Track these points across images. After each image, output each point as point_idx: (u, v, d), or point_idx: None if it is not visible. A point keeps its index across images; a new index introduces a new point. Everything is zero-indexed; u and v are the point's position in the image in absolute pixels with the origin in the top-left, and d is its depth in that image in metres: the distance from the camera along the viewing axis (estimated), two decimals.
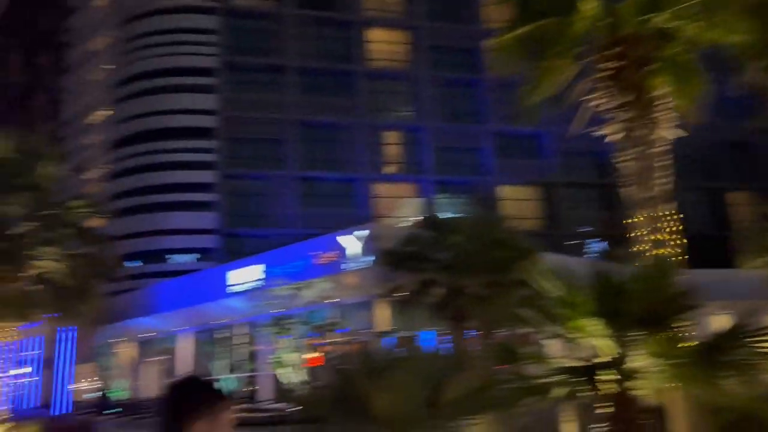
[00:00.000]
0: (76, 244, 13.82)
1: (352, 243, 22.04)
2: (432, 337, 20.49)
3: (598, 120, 7.70)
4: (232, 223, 37.38)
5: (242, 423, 12.88)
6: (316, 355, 22.32)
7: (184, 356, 29.75)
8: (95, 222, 14.91)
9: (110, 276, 14.67)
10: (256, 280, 24.46)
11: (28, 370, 38.52)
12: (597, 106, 7.51)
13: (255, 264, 25.32)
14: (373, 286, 20.82)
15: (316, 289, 21.15)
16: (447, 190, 39.35)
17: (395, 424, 5.35)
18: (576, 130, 8.00)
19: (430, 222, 17.87)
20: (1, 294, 12.25)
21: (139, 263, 35.57)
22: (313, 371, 22.21)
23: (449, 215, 22.59)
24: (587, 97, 7.62)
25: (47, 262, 13.22)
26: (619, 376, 5.90)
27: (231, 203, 37.80)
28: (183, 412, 1.77)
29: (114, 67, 40.83)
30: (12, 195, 12.64)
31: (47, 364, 36.35)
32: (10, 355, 13.75)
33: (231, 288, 25.35)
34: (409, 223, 21.36)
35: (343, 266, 22.08)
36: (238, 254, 30.62)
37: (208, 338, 27.27)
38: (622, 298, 6.23)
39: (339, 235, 22.52)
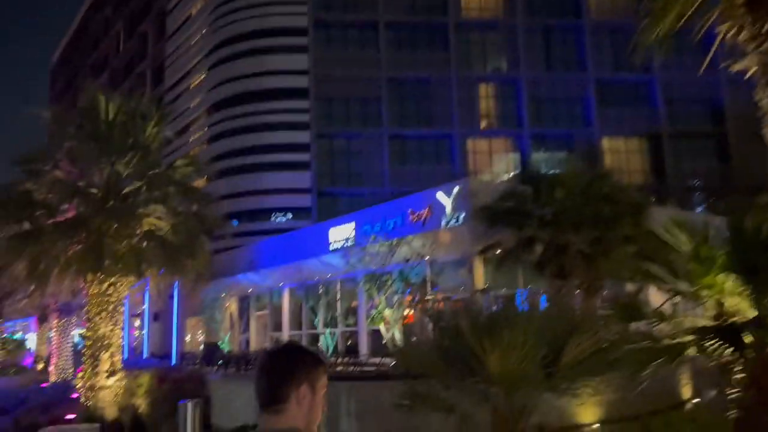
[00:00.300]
0: (182, 202, 14.34)
1: (447, 199, 21.63)
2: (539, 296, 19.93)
3: (719, 58, 6.81)
4: (326, 183, 37.94)
5: (342, 377, 13.14)
6: (412, 312, 22.38)
7: (285, 310, 30.80)
8: (199, 181, 15.37)
9: (214, 233, 15.12)
10: (352, 238, 24.67)
11: (141, 323, 41.53)
12: (726, 39, 6.61)
13: (350, 221, 25.50)
14: (469, 243, 20.41)
15: (411, 246, 20.98)
16: (545, 144, 37.84)
17: (508, 383, 5.06)
18: (690, 74, 7.12)
19: (530, 176, 17.12)
20: (115, 250, 12.89)
21: (238, 222, 36.99)
22: (411, 328, 22.37)
23: (549, 169, 21.67)
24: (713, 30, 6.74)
25: (156, 220, 13.80)
26: (759, 337, 5.29)
27: (324, 163, 38.30)
28: (286, 378, 1.79)
29: (210, 31, 41.87)
30: (122, 155, 13.19)
31: (157, 318, 38.91)
32: (123, 308, 14.53)
33: (329, 245, 25.73)
34: (506, 179, 20.61)
35: (438, 223, 21.75)
36: (332, 213, 31.08)
37: (308, 294, 27.94)
38: (761, 253, 5.54)
39: (434, 192, 22.16)
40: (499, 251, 17.53)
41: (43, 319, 31.92)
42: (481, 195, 18.68)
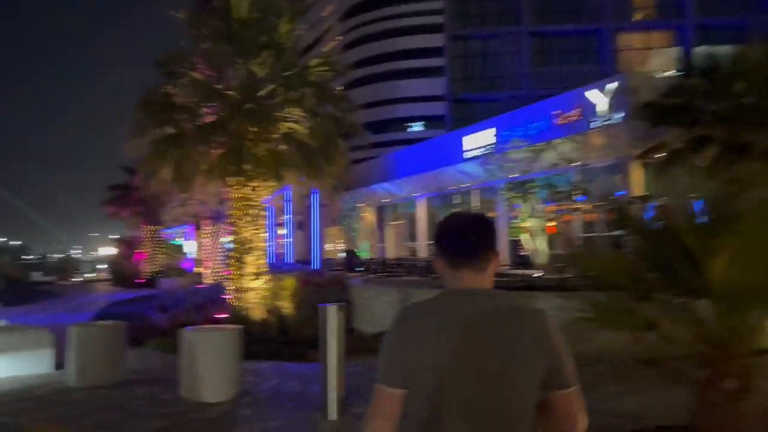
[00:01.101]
0: (319, 104, 13.77)
1: (600, 98, 19.41)
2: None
3: None
4: (461, 88, 36.14)
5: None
6: (556, 222, 20.89)
7: (421, 220, 30.46)
8: (334, 84, 14.67)
9: (352, 138, 14.49)
10: (491, 144, 23.25)
11: (284, 231, 43.48)
12: None
13: (489, 127, 24.00)
14: (625, 145, 18.33)
15: (557, 151, 19.25)
16: (712, 37, 33.07)
17: (734, 297, 3.89)
18: None
19: (702, 67, 14.60)
20: (254, 153, 12.67)
21: (372, 133, 36.62)
22: (557, 238, 21.01)
23: (724, 59, 18.57)
24: None
25: (293, 124, 13.38)
26: None
27: (459, 67, 36.34)
28: (491, 241, 1.78)
29: None
30: (256, 55, 12.71)
31: (299, 226, 40.43)
32: (266, 213, 14.52)
33: (466, 153, 24.55)
34: (669, 74, 17.93)
35: (589, 124, 19.70)
36: (466, 120, 29.62)
37: (444, 203, 27.23)
38: None
39: (586, 90, 19.98)
40: (662, 154, 15.46)
41: (197, 226, 34.20)
42: (642, 91, 16.44)
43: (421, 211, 30.49)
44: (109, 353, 7.43)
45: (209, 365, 6.48)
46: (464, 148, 24.68)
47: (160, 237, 37.29)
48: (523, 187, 18.87)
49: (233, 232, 13.71)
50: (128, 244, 38.22)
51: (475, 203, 25.57)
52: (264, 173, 12.98)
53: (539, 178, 19.09)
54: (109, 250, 45.38)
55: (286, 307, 13.88)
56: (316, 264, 23.44)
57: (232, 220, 13.64)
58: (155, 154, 12.68)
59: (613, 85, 19.07)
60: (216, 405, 6.29)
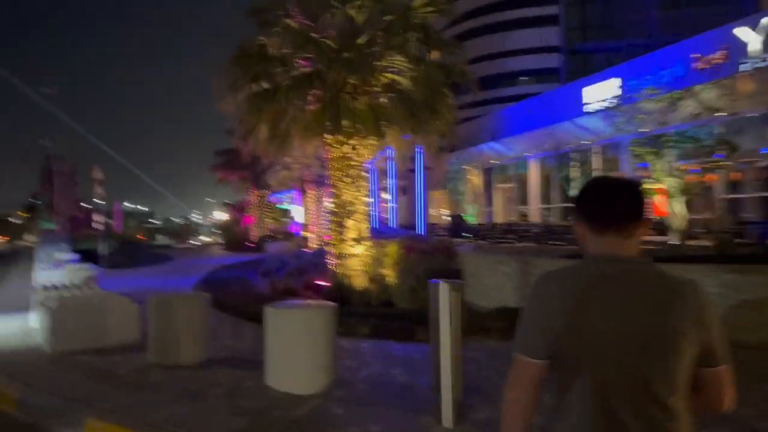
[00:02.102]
0: (423, 51, 12.35)
1: (753, 36, 16.51)
2: None
3: None
4: (577, 38, 33.10)
5: None
6: (698, 180, 18.32)
7: (533, 182, 28.40)
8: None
9: (461, 85, 12.93)
10: (616, 96, 20.77)
11: (388, 196, 42.66)
12: None
13: (613, 77, 21.46)
14: None
15: (698, 100, 16.66)
16: None
17: None
18: None
19: None
20: (352, 108, 11.54)
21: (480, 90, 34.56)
22: (696, 200, 18.45)
23: None
24: None
25: (394, 75, 12.07)
26: None
27: (576, 15, 33.25)
28: (642, 207, 1.68)
29: None
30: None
31: (403, 191, 39.45)
32: (367, 175, 13.44)
33: (586, 106, 22.20)
34: None
35: (738, 67, 16.88)
36: (584, 72, 26.90)
37: (559, 163, 25.01)
38: None
39: (734, 27, 17.10)
40: None
41: (303, 191, 34.12)
42: None
43: (534, 173, 28.40)
44: (191, 328, 6.61)
45: (297, 350, 5.43)
46: (584, 101, 22.31)
47: (268, 201, 37.66)
48: (657, 142, 16.55)
49: (333, 195, 12.75)
50: (238, 209, 38.97)
51: (595, 163, 23.21)
52: (363, 129, 11.83)
53: (676, 131, 16.65)
54: (223, 215, 46.82)
55: (389, 275, 12.81)
56: (420, 229, 22.22)
57: (332, 182, 12.66)
58: (250, 111, 11.86)
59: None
60: (304, 399, 5.25)
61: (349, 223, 12.46)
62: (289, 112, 11.86)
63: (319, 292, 12.17)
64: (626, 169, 20.88)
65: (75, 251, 24.57)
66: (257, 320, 9.29)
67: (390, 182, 30.83)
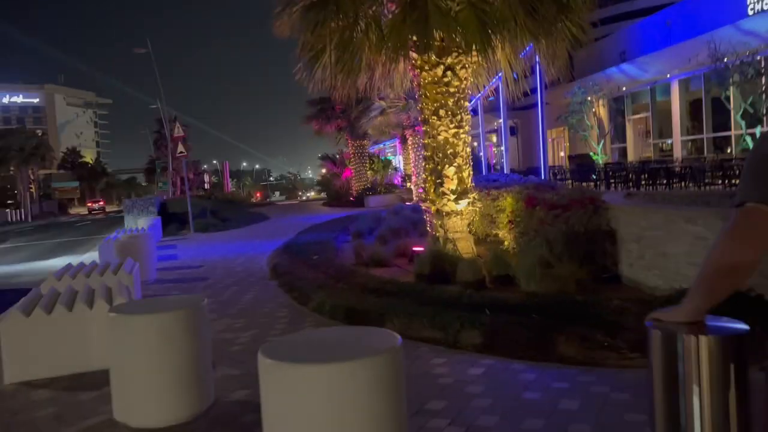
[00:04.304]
0: None
1: None
2: None
3: None
4: None
5: None
6: None
7: (675, 110, 23.58)
8: None
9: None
10: None
11: (495, 139, 38.69)
12: None
13: None
14: None
15: None
16: None
17: None
18: None
19: None
20: (445, 9, 8.30)
21: (600, 7, 29.48)
22: None
23: None
24: None
25: None
26: None
27: None
28: None
29: None
30: None
31: (514, 132, 35.33)
32: (467, 104, 10.21)
33: (752, 5, 17.27)
34: None
35: None
36: None
37: (711, 83, 20.14)
38: None
39: None
40: None
41: (403, 138, 31.20)
42: None
43: (675, 98, 23.53)
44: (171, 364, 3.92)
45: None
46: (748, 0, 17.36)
47: (368, 152, 35.09)
48: None
49: (426, 134, 9.68)
50: (336, 162, 36.80)
51: (758, 79, 18.21)
52: (463, 41, 8.59)
53: None
54: (322, 170, 45.15)
55: (506, 237, 9.65)
56: (543, 174, 18.58)
57: (425, 117, 9.58)
58: (309, 28, 8.95)
59: None
60: None
61: (449, 170, 9.39)
62: (359, 25, 8.84)
63: (412, 261, 9.30)
64: None
65: (166, 215, 23.50)
66: (348, 317, 6.61)
67: (499, 122, 27.01)
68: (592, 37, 20.95)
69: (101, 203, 75.48)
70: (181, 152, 20.27)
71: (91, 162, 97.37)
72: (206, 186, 62.78)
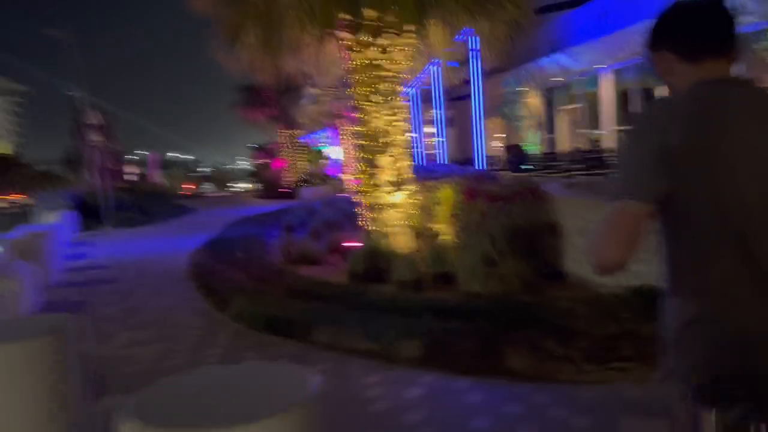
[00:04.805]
0: None
1: None
2: None
3: None
4: None
5: None
6: None
7: (606, 101, 23.80)
8: None
9: None
10: None
11: (433, 129, 38.33)
12: None
13: None
14: None
15: None
16: None
17: None
18: None
19: None
20: None
21: None
22: None
23: None
24: None
25: None
26: None
27: None
28: (736, 34, 1.49)
29: None
30: None
31: (450, 122, 35.06)
32: (401, 88, 9.60)
33: None
34: None
35: None
36: None
37: (641, 75, 20.35)
38: None
39: None
40: None
41: (337, 127, 30.41)
42: None
43: (607, 89, 23.73)
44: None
45: None
46: None
47: (300, 142, 34.04)
48: None
49: (359, 121, 8.99)
50: (267, 152, 35.58)
51: None
52: (397, 20, 7.95)
53: None
54: (253, 160, 43.77)
55: (445, 232, 9.10)
56: (479, 164, 18.22)
57: (357, 102, 8.88)
58: (229, 1, 8.09)
59: None
60: None
61: (384, 160, 8.75)
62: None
63: (346, 258, 8.61)
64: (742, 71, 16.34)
65: (78, 208, 21.81)
66: (243, 319, 5.84)
67: (435, 111, 26.62)
68: (533, 23, 20.69)
69: (18, 196, 70.92)
70: (95, 141, 18.77)
71: (6, 153, 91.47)
72: (134, 177, 59.94)
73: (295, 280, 7.64)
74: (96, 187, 32.17)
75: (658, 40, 1.53)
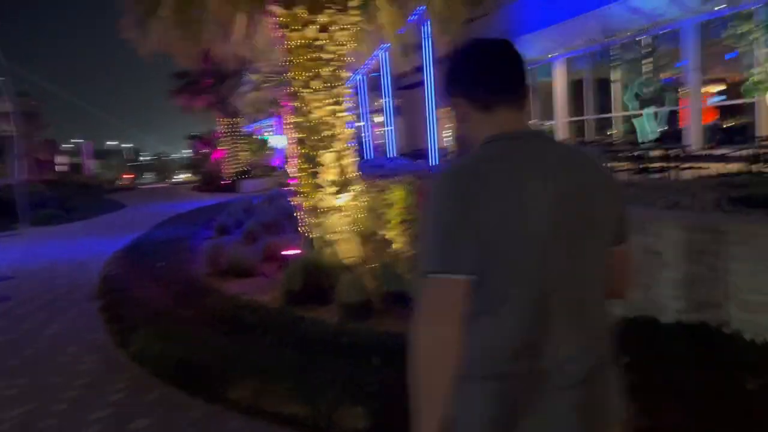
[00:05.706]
0: None
1: None
2: None
3: None
4: None
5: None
6: None
7: (559, 90, 23.19)
8: None
9: None
10: None
11: (381, 118, 37.16)
12: None
13: None
14: None
15: None
16: None
17: None
18: None
19: None
20: None
21: None
22: None
23: None
24: None
25: None
26: None
27: None
28: (525, 70, 1.46)
29: None
30: None
31: (398, 111, 33.96)
32: (346, 74, 8.42)
33: None
34: None
35: None
36: None
37: (595, 64, 19.78)
38: None
39: None
40: None
41: (280, 116, 28.88)
42: None
43: (560, 78, 23.12)
44: None
45: None
46: None
47: (241, 132, 32.25)
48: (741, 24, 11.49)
49: (297, 111, 7.77)
50: (207, 142, 33.70)
51: (649, 59, 17.93)
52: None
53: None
54: (190, 150, 41.67)
55: (397, 240, 7.98)
56: (432, 158, 17.16)
57: (294, 89, 7.67)
58: None
59: None
60: None
61: (326, 157, 7.58)
62: None
63: (283, 268, 7.41)
64: (688, 63, 15.88)
65: (1, 204, 19.80)
66: (147, 353, 4.58)
67: (384, 100, 25.44)
68: (488, 7, 19.73)
69: None
70: (7, 131, 16.85)
71: None
72: (65, 169, 56.51)
73: (218, 302, 6.38)
74: (12, 181, 29.68)
75: (452, 87, 1.46)
